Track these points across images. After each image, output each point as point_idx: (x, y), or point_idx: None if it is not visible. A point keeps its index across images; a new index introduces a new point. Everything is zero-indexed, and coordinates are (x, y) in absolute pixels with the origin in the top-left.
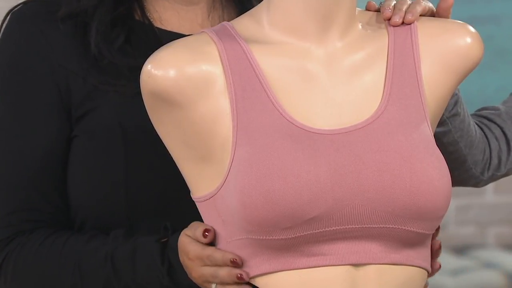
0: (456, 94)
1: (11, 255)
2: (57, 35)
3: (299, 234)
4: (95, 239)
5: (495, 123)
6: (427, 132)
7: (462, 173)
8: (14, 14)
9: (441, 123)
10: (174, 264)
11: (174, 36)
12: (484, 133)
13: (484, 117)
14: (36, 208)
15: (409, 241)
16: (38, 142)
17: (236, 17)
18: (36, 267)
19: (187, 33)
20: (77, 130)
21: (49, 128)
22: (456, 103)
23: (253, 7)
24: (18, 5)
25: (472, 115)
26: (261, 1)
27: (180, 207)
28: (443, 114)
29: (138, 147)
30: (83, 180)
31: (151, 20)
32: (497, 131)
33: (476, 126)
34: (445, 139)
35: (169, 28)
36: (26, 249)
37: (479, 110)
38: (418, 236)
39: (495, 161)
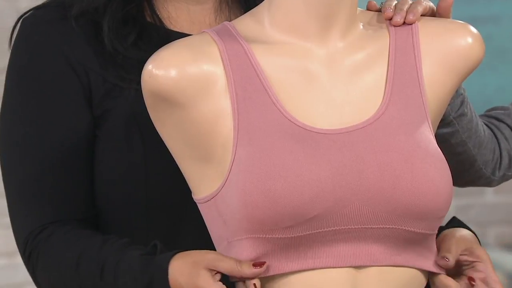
0: (462, 94)
1: (40, 244)
2: (73, 35)
3: (300, 234)
4: (106, 244)
5: (504, 123)
6: (428, 132)
7: (473, 174)
8: (27, 19)
9: (448, 123)
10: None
11: (184, 37)
12: (494, 133)
13: (493, 117)
14: (68, 201)
15: (410, 242)
16: (67, 136)
17: None
18: (54, 253)
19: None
20: (96, 129)
21: (76, 122)
22: (462, 103)
23: None
24: (29, 11)
25: (481, 115)
26: None
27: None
28: (450, 115)
29: (156, 142)
30: (104, 175)
31: (161, 20)
32: (507, 131)
33: (484, 126)
34: (453, 139)
35: (179, 29)
36: (52, 238)
37: (488, 110)
38: (418, 236)
39: (505, 160)
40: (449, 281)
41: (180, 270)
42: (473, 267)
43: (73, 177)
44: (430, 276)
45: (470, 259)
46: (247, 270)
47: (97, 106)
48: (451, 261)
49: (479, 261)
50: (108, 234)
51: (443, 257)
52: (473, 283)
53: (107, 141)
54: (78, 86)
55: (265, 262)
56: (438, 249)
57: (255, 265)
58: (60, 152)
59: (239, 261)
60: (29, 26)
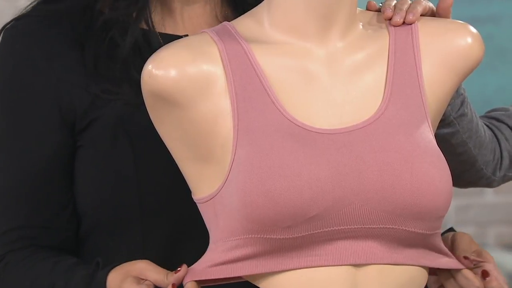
0: (462, 94)
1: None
2: (54, 49)
3: (300, 234)
4: (56, 267)
5: (505, 123)
6: (428, 132)
7: (473, 174)
8: (8, 30)
9: (448, 123)
10: None
11: (178, 39)
12: (494, 133)
13: (493, 118)
14: (32, 225)
15: (410, 241)
16: (36, 159)
17: (238, 14)
18: (11, 282)
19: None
20: (82, 140)
21: (48, 145)
22: (462, 103)
23: (252, 6)
24: (11, 21)
25: (481, 116)
26: (260, 0)
27: (189, 200)
28: (450, 115)
29: (146, 148)
30: (93, 187)
31: (154, 25)
32: (507, 132)
33: (485, 126)
34: (454, 140)
35: (171, 32)
36: (8, 268)
37: (489, 111)
38: (418, 236)
39: (506, 161)
40: (471, 274)
41: (113, 282)
42: (480, 267)
43: (39, 204)
44: (439, 273)
45: (478, 259)
46: (171, 277)
47: (82, 117)
48: (472, 261)
49: (486, 262)
50: (63, 256)
51: (466, 257)
52: (487, 277)
53: (94, 149)
54: (54, 107)
55: (182, 264)
56: (450, 249)
57: (176, 272)
58: (24, 178)
59: (168, 273)
60: (10, 38)
